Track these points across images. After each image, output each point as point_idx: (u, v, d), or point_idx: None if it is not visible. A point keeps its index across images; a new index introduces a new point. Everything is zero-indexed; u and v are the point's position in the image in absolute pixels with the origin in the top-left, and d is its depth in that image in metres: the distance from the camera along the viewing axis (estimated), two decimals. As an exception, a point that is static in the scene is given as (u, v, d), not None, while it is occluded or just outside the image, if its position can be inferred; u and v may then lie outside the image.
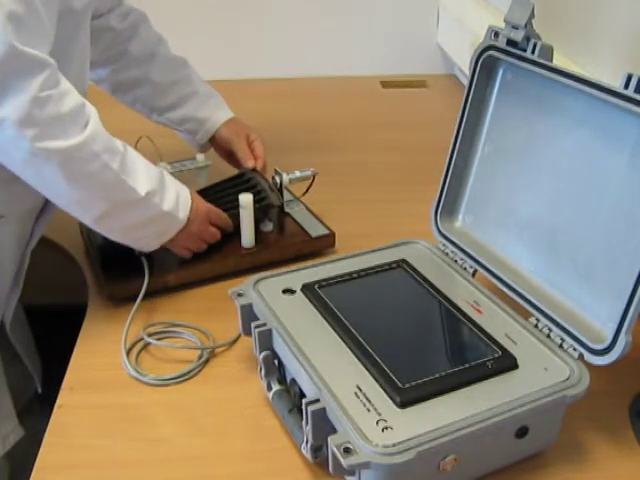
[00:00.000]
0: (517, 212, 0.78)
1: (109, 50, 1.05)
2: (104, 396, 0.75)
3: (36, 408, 1.10)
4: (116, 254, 0.88)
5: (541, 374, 0.64)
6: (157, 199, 0.82)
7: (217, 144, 1.11)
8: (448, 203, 0.86)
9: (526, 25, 0.71)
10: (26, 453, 1.08)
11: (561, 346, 0.68)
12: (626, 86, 0.61)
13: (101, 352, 0.80)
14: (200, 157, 1.12)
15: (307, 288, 0.76)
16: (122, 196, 0.79)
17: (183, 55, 1.10)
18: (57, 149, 0.72)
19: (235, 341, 0.82)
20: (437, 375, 0.63)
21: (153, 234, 0.85)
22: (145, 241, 0.86)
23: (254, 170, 1.05)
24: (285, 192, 1.02)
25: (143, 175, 0.81)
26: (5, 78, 0.69)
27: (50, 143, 0.72)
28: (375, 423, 0.58)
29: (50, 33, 0.75)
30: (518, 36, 0.72)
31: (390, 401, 0.61)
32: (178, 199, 0.85)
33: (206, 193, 1.00)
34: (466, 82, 0.81)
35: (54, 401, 0.74)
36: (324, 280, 0.77)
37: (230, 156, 1.09)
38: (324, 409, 0.60)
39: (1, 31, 0.67)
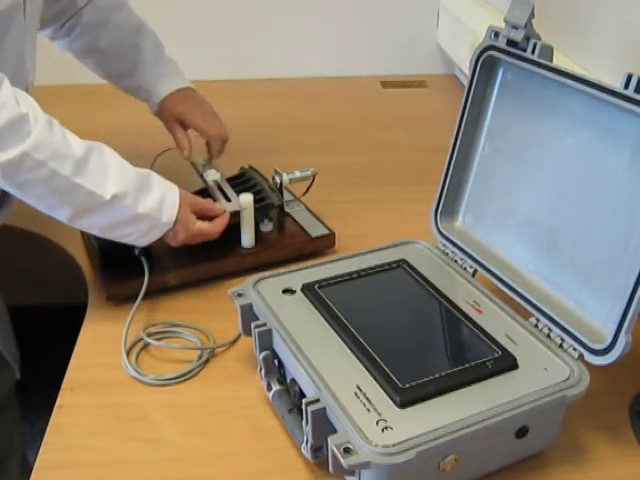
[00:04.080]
0: (517, 212, 0.78)
1: (67, 21, 1.04)
2: (104, 396, 0.75)
3: (14, 401, 1.08)
4: (116, 254, 0.88)
5: (541, 374, 0.64)
6: (128, 201, 0.79)
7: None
8: (448, 203, 0.86)
9: (526, 25, 0.71)
10: (7, 446, 1.07)
11: (561, 346, 0.68)
12: (626, 86, 0.61)
13: (101, 352, 0.80)
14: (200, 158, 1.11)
15: (307, 288, 0.76)
16: (83, 201, 0.77)
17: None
18: None
19: (235, 341, 0.82)
20: (437, 375, 0.63)
21: (136, 233, 0.82)
22: (129, 239, 0.83)
23: (253, 169, 1.05)
24: (285, 192, 1.02)
25: (112, 178, 0.78)
26: None
27: None
28: (375, 423, 0.58)
29: None
30: (518, 36, 0.72)
31: (390, 401, 0.61)
32: (163, 202, 0.82)
33: (206, 193, 1.00)
34: (466, 82, 0.81)
35: (54, 401, 0.74)
36: (324, 280, 0.77)
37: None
38: (324, 409, 0.60)
39: None
